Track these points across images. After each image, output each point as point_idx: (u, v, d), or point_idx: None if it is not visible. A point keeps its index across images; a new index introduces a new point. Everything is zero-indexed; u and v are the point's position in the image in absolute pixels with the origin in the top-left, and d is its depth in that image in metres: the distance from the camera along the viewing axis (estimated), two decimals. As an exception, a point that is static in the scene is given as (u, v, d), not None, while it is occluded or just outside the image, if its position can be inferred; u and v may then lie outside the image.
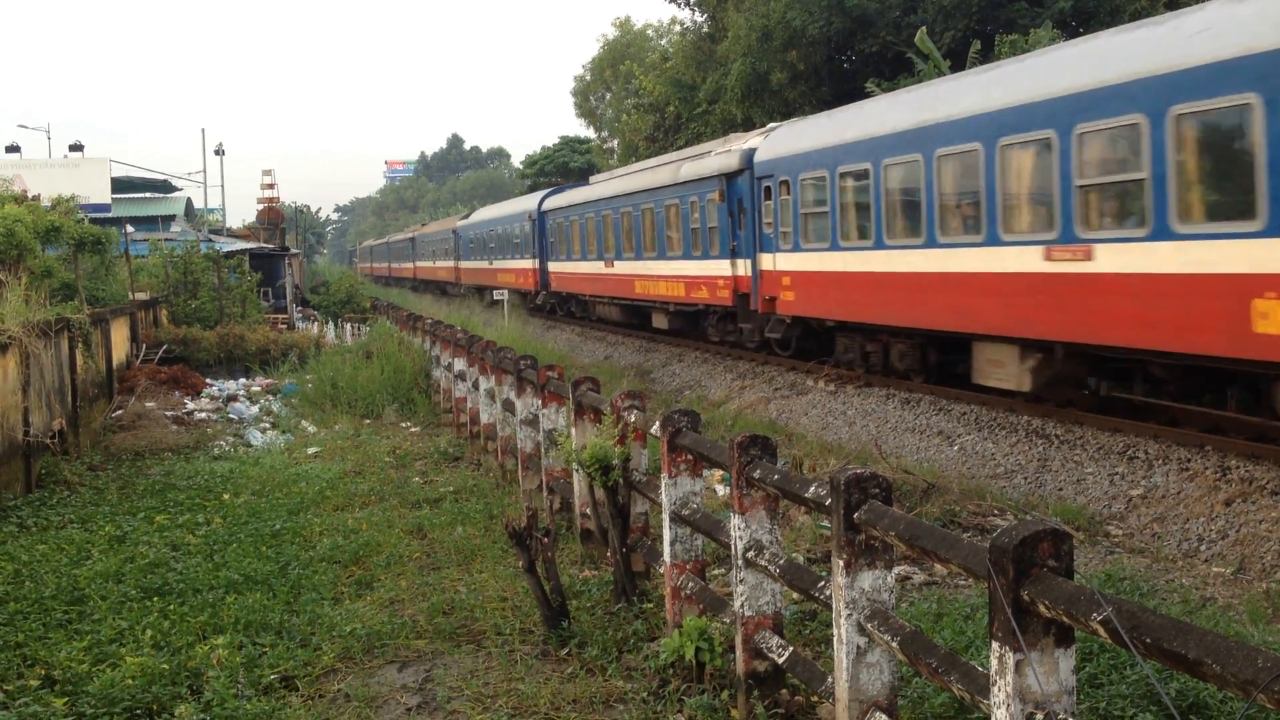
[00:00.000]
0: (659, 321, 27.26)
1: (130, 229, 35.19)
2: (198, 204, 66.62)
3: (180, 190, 61.89)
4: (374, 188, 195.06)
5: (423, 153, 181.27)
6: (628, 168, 34.07)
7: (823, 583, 5.40)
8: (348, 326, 37.76)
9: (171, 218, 54.57)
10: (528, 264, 39.02)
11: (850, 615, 4.82)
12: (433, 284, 63.29)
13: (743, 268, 21.68)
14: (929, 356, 16.82)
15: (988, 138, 14.11)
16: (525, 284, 39.44)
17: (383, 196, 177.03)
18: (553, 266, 36.82)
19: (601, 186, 32.53)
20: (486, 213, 49.38)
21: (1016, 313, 13.87)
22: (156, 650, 7.62)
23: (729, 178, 21.93)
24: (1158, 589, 8.58)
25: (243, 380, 25.49)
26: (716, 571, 8.78)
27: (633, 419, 8.28)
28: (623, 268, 29.19)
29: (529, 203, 40.42)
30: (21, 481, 13.35)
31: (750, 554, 6.02)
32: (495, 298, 38.82)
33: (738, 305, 22.20)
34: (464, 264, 51.00)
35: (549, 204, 37.21)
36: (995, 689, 3.73)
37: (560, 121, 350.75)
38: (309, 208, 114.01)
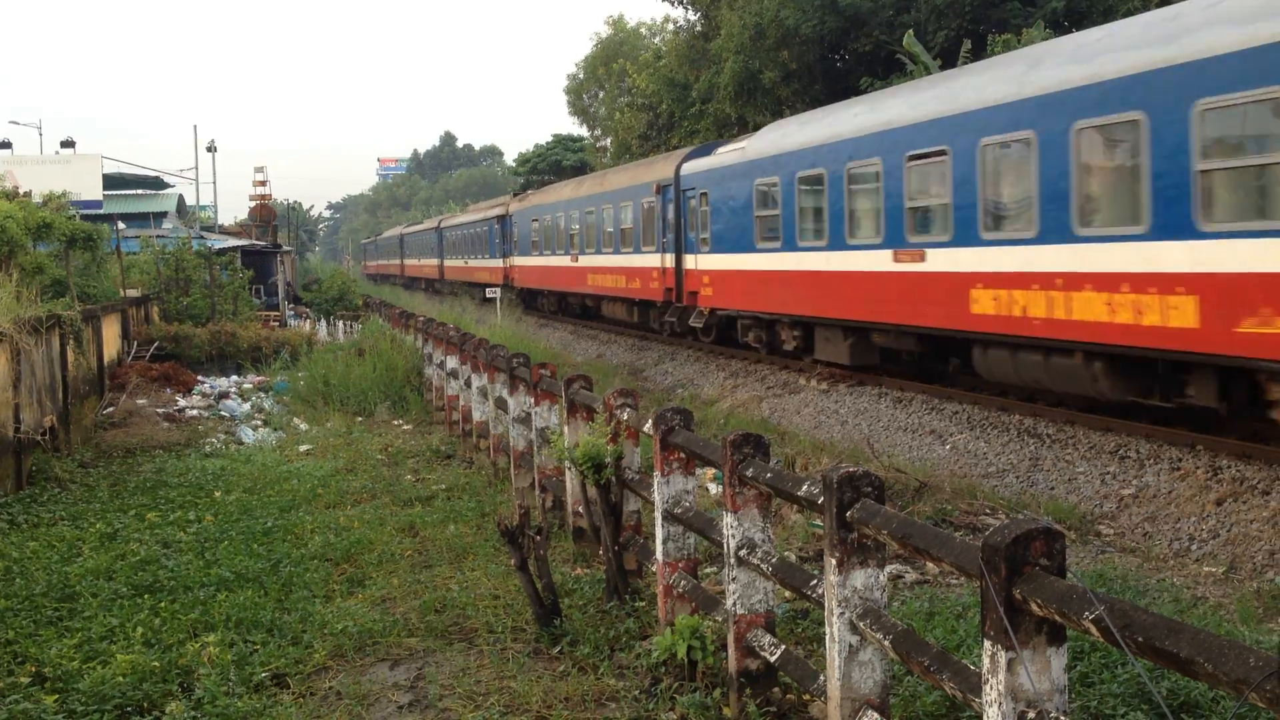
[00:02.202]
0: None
1: (122, 226, 35.12)
2: (190, 201, 66.49)
3: (172, 187, 61.84)
4: (366, 185, 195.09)
5: (415, 150, 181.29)
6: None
7: (815, 581, 5.40)
8: (340, 324, 37.70)
9: (163, 214, 54.49)
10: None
11: (843, 613, 4.82)
12: (568, 302, 35.29)
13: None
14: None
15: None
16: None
17: (375, 194, 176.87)
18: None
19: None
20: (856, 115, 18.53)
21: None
22: (147, 647, 7.60)
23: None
24: (1149, 588, 8.60)
25: (234, 377, 25.45)
26: (709, 570, 8.78)
27: (625, 417, 8.28)
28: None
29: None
30: (12, 478, 13.31)
31: (743, 552, 6.02)
32: (489, 295, 38.36)
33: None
34: (710, 261, 23.32)
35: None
36: (987, 687, 3.74)
37: (553, 119, 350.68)
38: (301, 205, 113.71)
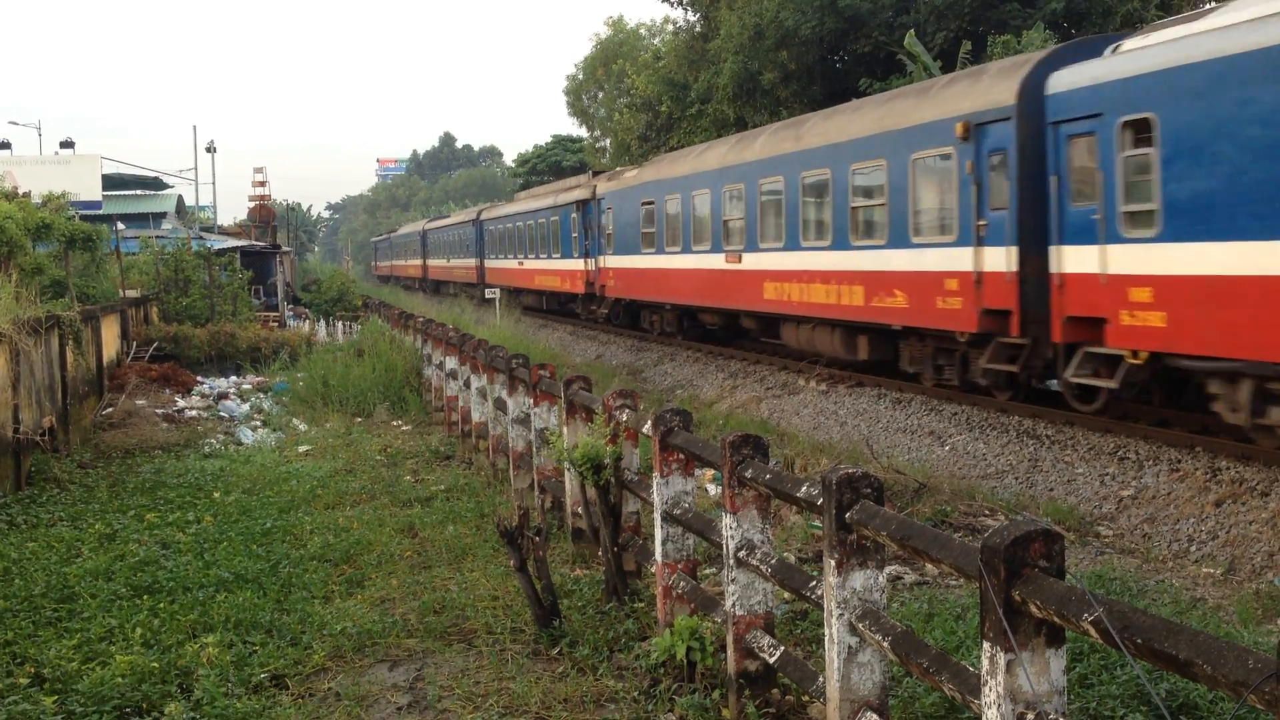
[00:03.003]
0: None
1: (121, 226, 35.07)
2: (189, 201, 66.50)
3: (171, 187, 61.84)
4: (366, 186, 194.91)
5: (415, 151, 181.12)
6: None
7: (814, 582, 5.40)
8: (339, 324, 37.70)
9: (163, 215, 54.50)
10: None
11: (842, 615, 4.82)
12: (696, 320, 26.01)
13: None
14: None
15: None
16: None
17: (374, 195, 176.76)
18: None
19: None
20: None
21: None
22: (146, 648, 7.59)
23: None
24: (1148, 589, 8.60)
25: (234, 378, 25.45)
26: (708, 571, 8.78)
27: (624, 418, 8.28)
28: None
29: None
30: (11, 479, 13.30)
31: (742, 553, 6.02)
32: (488, 295, 38.34)
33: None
34: (1157, 259, 11.94)
35: None
36: (986, 689, 3.74)
37: (553, 120, 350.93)
38: (300, 205, 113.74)
